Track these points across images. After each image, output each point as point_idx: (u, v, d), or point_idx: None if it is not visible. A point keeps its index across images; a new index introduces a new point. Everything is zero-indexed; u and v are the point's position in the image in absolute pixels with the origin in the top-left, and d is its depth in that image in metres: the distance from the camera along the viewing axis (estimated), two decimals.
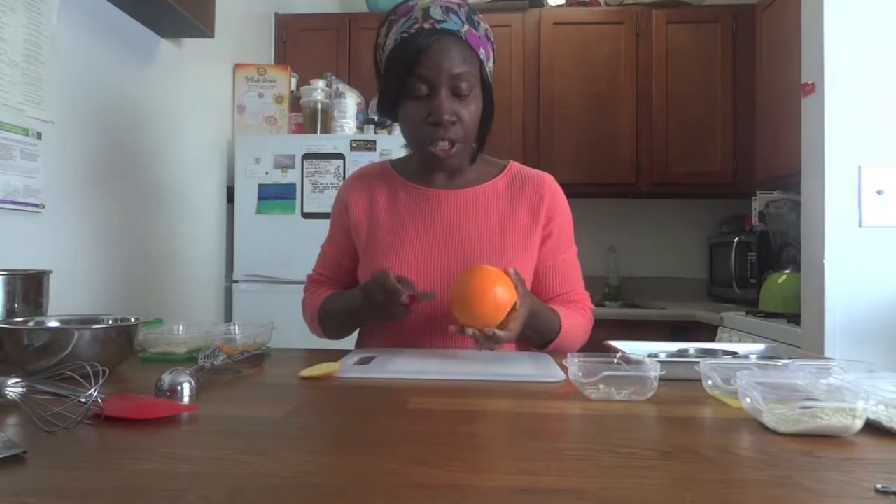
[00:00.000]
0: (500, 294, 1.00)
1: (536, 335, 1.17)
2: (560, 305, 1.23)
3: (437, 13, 1.11)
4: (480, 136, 1.22)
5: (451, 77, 1.11)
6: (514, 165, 1.31)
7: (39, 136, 1.57)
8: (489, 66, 1.18)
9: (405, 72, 1.12)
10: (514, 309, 1.02)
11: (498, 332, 1.00)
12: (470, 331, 1.00)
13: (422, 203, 1.25)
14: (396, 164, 1.33)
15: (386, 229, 1.24)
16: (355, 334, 1.35)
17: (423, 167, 1.26)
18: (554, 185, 1.28)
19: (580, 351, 0.89)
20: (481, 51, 1.14)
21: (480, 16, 1.17)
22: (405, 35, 1.11)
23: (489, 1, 3.26)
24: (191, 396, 0.78)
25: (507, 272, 1.03)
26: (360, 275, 1.27)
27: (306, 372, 0.93)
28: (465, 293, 1.01)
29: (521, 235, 1.22)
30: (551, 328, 1.17)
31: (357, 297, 1.15)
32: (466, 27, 1.12)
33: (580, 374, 0.82)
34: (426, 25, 1.10)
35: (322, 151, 2.57)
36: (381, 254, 1.22)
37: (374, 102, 2.76)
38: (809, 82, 1.77)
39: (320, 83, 2.76)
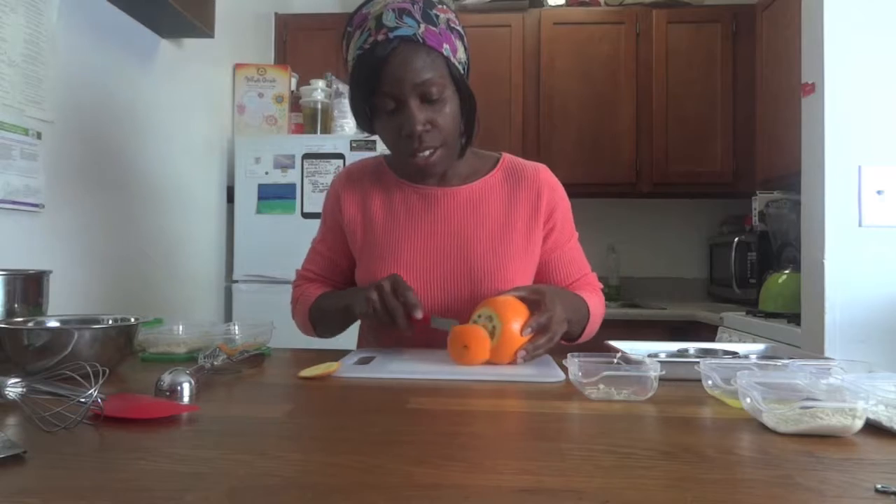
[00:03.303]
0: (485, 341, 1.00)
1: (575, 325, 1.15)
2: (575, 289, 1.24)
3: (389, 20, 1.04)
4: (467, 128, 1.18)
5: (415, 86, 1.06)
6: (507, 158, 1.28)
7: (39, 136, 1.57)
8: (458, 57, 1.11)
9: (369, 90, 1.08)
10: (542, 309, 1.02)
11: (543, 323, 1.00)
12: (522, 353, 1.00)
13: (417, 202, 1.22)
14: (390, 160, 1.29)
15: (381, 231, 1.22)
16: (356, 335, 1.35)
17: (411, 175, 1.24)
18: (551, 178, 1.26)
19: (581, 350, 0.89)
20: (444, 47, 1.07)
21: (441, 7, 1.10)
22: (360, 51, 1.07)
23: (489, 1, 3.26)
24: (191, 396, 0.78)
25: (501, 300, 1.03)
26: (358, 278, 1.25)
27: (306, 372, 0.93)
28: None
29: (521, 234, 1.21)
30: (582, 314, 1.17)
31: (359, 296, 1.11)
32: (423, 27, 1.05)
33: (580, 374, 0.81)
34: (380, 37, 1.04)
35: (322, 151, 2.57)
36: (378, 257, 1.20)
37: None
38: (809, 82, 1.77)
39: (320, 83, 2.76)
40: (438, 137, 1.11)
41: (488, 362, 1.01)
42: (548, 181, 1.25)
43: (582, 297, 1.19)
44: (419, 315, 1.03)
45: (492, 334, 1.00)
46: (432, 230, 1.21)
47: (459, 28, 1.13)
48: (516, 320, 1.00)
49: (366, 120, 1.15)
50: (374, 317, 1.06)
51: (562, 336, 1.11)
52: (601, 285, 1.32)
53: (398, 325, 1.04)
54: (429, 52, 1.06)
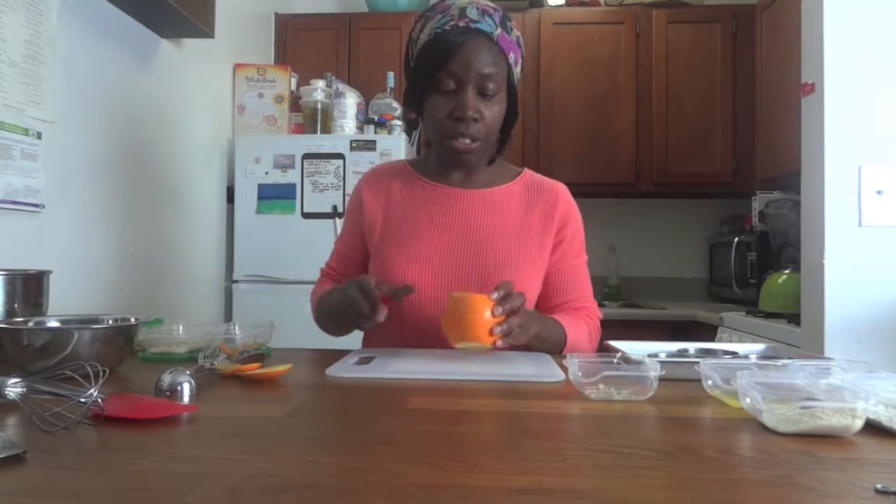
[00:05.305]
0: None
1: (542, 342, 1.14)
2: (564, 313, 1.23)
3: (473, 13, 1.14)
4: (502, 139, 1.25)
5: (479, 76, 1.13)
6: (529, 173, 1.34)
7: (39, 136, 1.57)
8: (517, 71, 1.20)
9: (435, 66, 1.14)
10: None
11: (516, 305, 1.00)
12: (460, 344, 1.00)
13: (437, 199, 1.26)
14: (413, 163, 1.35)
15: (400, 223, 1.25)
16: (359, 334, 1.34)
17: (441, 163, 1.28)
18: (568, 195, 1.31)
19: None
20: (511, 55, 1.17)
21: (514, 23, 1.21)
22: (439, 31, 1.15)
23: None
24: (191, 396, 0.78)
25: (499, 289, 1.02)
26: (371, 270, 1.27)
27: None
28: (461, 317, 1.00)
29: (535, 239, 1.24)
30: (558, 340, 1.17)
31: (338, 295, 1.14)
32: (499, 30, 1.16)
33: (580, 374, 0.81)
34: (461, 23, 1.13)
35: (322, 151, 2.57)
36: (393, 248, 1.23)
37: (374, 102, 2.77)
38: (809, 82, 1.77)
39: (320, 83, 2.76)
40: (482, 130, 1.17)
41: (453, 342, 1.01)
42: (564, 197, 1.29)
43: (558, 322, 1.18)
44: (381, 318, 1.05)
45: (462, 314, 0.99)
46: (450, 226, 1.24)
47: (523, 49, 1.24)
48: (483, 296, 1.00)
49: (417, 97, 1.20)
50: (347, 315, 1.10)
51: (533, 348, 1.13)
52: (601, 315, 1.32)
53: (361, 312, 1.05)
54: (498, 52, 1.16)
